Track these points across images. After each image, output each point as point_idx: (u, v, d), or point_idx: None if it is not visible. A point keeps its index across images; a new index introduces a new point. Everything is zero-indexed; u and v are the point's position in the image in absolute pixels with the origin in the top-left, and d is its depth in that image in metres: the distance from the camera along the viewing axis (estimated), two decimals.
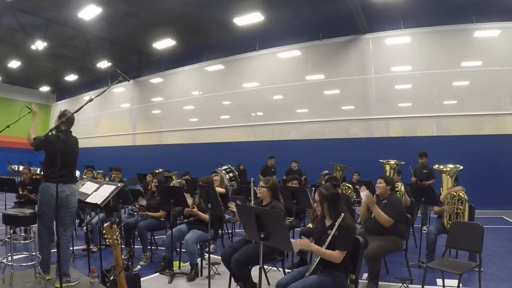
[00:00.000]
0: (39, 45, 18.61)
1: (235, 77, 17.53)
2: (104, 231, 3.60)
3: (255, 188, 5.64)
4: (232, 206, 5.36)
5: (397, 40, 13.63)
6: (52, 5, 15.75)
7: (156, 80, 21.84)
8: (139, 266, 5.90)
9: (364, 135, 14.25)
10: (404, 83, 13.64)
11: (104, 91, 4.89)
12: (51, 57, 21.82)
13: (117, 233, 3.60)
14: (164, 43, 17.46)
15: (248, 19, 13.67)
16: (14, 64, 23.26)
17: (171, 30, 16.63)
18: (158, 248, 7.02)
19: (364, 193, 4.88)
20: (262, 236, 3.22)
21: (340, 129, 14.77)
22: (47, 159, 4.88)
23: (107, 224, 3.60)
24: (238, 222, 7.61)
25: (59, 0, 15.14)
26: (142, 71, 22.35)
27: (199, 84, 19.37)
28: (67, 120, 4.87)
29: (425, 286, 4.37)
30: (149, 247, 6.55)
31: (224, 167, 12.06)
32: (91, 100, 4.46)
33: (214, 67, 18.49)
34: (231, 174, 11.91)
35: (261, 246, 3.29)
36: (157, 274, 5.60)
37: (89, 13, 14.69)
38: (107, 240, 3.56)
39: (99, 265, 4.90)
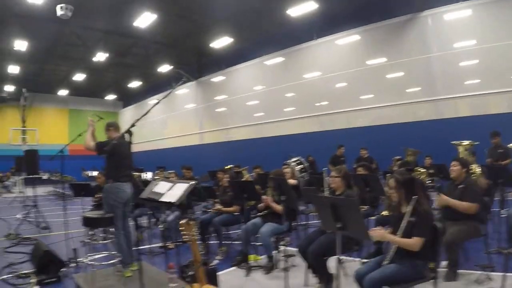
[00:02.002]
0: (101, 56, 20.21)
1: (296, 68, 17.80)
2: (181, 228, 3.83)
3: (327, 178, 5.87)
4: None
5: (457, 14, 13.18)
6: (107, 18, 17.03)
7: (218, 78, 22.79)
8: (216, 261, 6.24)
9: (432, 117, 13.97)
10: (470, 58, 13.12)
11: (170, 92, 5.20)
12: (113, 66, 23.58)
13: (195, 229, 3.83)
14: (221, 42, 18.35)
15: (302, 8, 14.06)
16: (79, 77, 25.42)
17: (227, 28, 17.39)
18: (233, 242, 7.33)
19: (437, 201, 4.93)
20: (338, 226, 3.31)
21: (406, 112, 14.54)
22: (116, 162, 5.58)
23: (185, 220, 3.84)
24: (312, 213, 7.98)
25: (114, 12, 16.34)
26: (203, 71, 23.43)
27: (260, 79, 19.91)
28: (117, 126, 5.94)
29: (507, 274, 4.27)
30: (224, 241, 6.89)
31: (294, 159, 12.31)
32: (157, 103, 4.89)
33: (274, 60, 18.94)
34: (301, 166, 12.18)
35: (339, 236, 3.42)
36: (234, 268, 5.90)
37: (145, 20, 15.88)
38: (184, 236, 3.78)
39: (176, 262, 5.17)
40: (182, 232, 3.86)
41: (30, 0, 13.53)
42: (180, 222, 3.87)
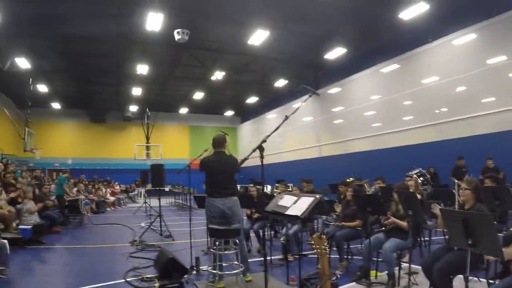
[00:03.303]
0: (218, 75, 22.28)
1: (413, 75, 17.66)
2: (312, 241, 4.24)
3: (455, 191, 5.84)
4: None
5: None
6: (222, 38, 18.85)
7: (334, 90, 23.44)
8: (336, 276, 6.44)
9: None
10: None
11: (298, 108, 5.58)
12: (231, 84, 25.56)
13: (325, 242, 4.17)
14: (335, 53, 19.13)
15: (414, 11, 14.12)
16: (198, 95, 28.05)
17: (340, 38, 18.08)
18: (354, 257, 7.66)
19: None
20: (469, 242, 3.30)
21: None
22: (208, 178, 6.43)
23: (317, 234, 4.21)
24: (436, 229, 7.90)
25: (228, 32, 18.17)
26: (320, 83, 24.17)
27: (377, 88, 20.10)
28: (215, 142, 6.48)
29: None
30: (345, 256, 7.17)
31: (415, 171, 12.70)
32: (287, 118, 5.15)
33: (389, 67, 19.02)
34: (422, 178, 12.52)
35: (469, 254, 3.45)
36: (354, 283, 6.09)
37: (258, 38, 17.18)
38: (315, 249, 4.15)
39: (296, 274, 5.64)
40: (312, 245, 4.28)
41: (149, 28, 15.48)
42: (313, 236, 4.32)
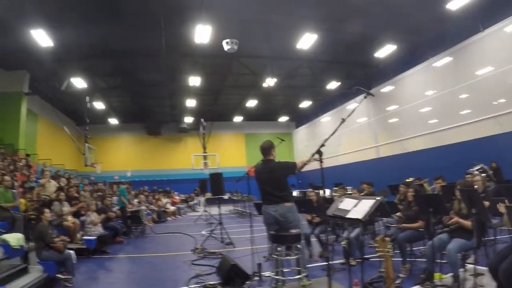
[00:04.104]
0: (270, 81, 22.55)
1: (466, 67, 17.20)
2: (376, 244, 4.29)
3: None
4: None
5: None
6: (270, 44, 19.16)
7: (387, 88, 23.21)
8: (399, 279, 6.40)
9: None
10: None
11: (353, 111, 5.63)
12: (283, 89, 25.71)
13: (389, 245, 4.21)
14: (385, 50, 19.05)
15: (461, 0, 13.96)
16: (251, 103, 28.52)
17: (388, 35, 17.96)
18: (417, 259, 7.54)
19: None
20: None
21: None
22: (259, 186, 6.53)
23: (380, 236, 4.29)
24: (501, 227, 7.82)
25: (275, 39, 18.42)
26: (372, 82, 24.02)
27: (430, 83, 19.63)
28: (262, 150, 6.56)
29: None
30: (408, 258, 7.09)
31: (477, 167, 12.30)
32: (343, 121, 5.31)
33: (442, 61, 18.57)
34: (484, 175, 11.72)
35: None
36: (418, 286, 6.05)
37: (306, 42, 17.43)
38: (379, 252, 4.20)
39: (359, 278, 5.76)
40: (376, 248, 4.32)
41: (197, 41, 16.06)
42: (377, 238, 4.36)
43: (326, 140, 5.15)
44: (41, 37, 15.29)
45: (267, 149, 6.55)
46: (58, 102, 26.02)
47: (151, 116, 31.90)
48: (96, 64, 20.45)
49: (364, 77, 24.71)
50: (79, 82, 20.58)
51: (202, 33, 15.46)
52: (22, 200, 10.02)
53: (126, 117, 33.26)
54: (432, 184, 11.39)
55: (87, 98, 21.79)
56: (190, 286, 6.95)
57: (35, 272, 7.27)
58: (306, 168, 6.11)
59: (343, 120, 5.26)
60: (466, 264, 6.02)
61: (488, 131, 16.31)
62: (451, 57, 18.28)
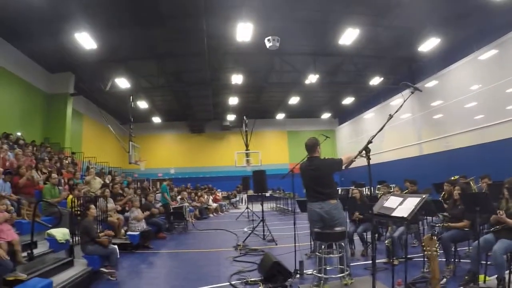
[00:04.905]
0: (312, 78, 22.45)
1: None
2: (423, 243, 4.23)
3: None
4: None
5: None
6: (313, 41, 19.19)
7: (431, 83, 22.70)
8: (444, 280, 6.27)
9: None
10: None
11: (401, 106, 5.34)
12: (325, 86, 25.54)
13: (436, 244, 4.15)
14: (429, 44, 18.72)
15: None
16: (294, 100, 28.47)
17: (432, 27, 17.70)
18: (462, 260, 7.34)
19: None
20: None
21: None
22: (304, 184, 6.53)
23: (427, 235, 4.23)
24: None
25: (318, 35, 18.40)
26: (416, 77, 23.53)
27: (476, 77, 19.09)
28: (306, 147, 6.51)
29: None
30: (452, 259, 6.96)
31: None
32: (391, 117, 5.16)
33: (487, 54, 18.05)
34: None
35: None
36: None
37: (348, 37, 17.29)
38: (425, 252, 4.14)
39: (402, 278, 5.70)
40: (423, 248, 4.27)
41: (239, 39, 16.23)
42: (424, 237, 4.32)
43: (373, 136, 5.09)
44: (85, 40, 15.84)
45: (312, 146, 6.52)
46: (103, 102, 26.84)
47: (194, 115, 32.21)
48: (139, 65, 20.98)
49: (408, 72, 24.28)
50: (122, 82, 21.18)
51: (243, 31, 15.58)
52: (69, 196, 10.29)
53: (169, 115, 33.99)
54: (478, 182, 11.01)
55: (131, 98, 22.26)
56: (232, 282, 6.97)
57: (80, 266, 7.55)
58: (350, 164, 6.08)
59: (391, 116, 5.13)
60: None
61: None
62: (497, 49, 17.71)
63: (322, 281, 6.04)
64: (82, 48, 16.43)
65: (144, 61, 20.66)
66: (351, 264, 6.71)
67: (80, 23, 15.13)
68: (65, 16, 15.01)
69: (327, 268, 6.22)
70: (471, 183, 10.59)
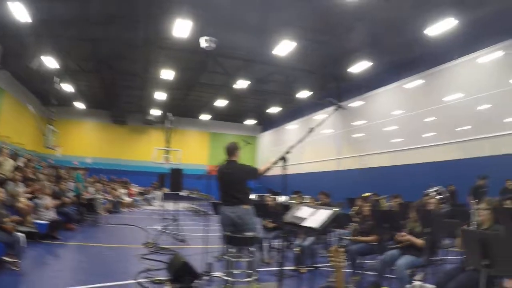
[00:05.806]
0: (242, 84, 22.43)
1: (437, 91, 17.47)
2: (329, 254, 4.25)
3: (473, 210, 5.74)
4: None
5: None
6: (247, 47, 19.01)
7: (356, 103, 23.32)
8: None
9: None
10: None
11: (323, 121, 5.72)
12: (253, 93, 25.64)
13: (343, 256, 4.19)
14: (360, 66, 19.00)
15: (441, 26, 14.03)
16: (221, 102, 28.26)
17: (366, 52, 18.03)
18: (366, 272, 7.42)
19: None
20: (485, 263, 3.35)
21: None
22: (219, 187, 6.48)
23: (335, 246, 4.25)
24: (450, 249, 7.78)
25: (253, 42, 18.22)
26: (342, 96, 23.90)
27: (400, 103, 19.92)
28: (227, 150, 6.50)
29: None
30: (358, 271, 7.10)
31: (434, 189, 12.38)
32: (312, 130, 5.42)
33: (414, 83, 18.85)
34: (439, 197, 12.09)
35: (483, 275, 3.48)
36: None
37: (284, 48, 17.20)
38: (331, 262, 4.16)
39: (308, 286, 5.91)
40: (329, 258, 4.30)
41: (176, 35, 15.83)
42: (331, 248, 4.36)
43: (292, 147, 5.20)
44: (19, 10, 14.29)
45: (232, 150, 6.51)
46: (27, 79, 25.00)
47: (119, 105, 31.21)
48: (71, 45, 19.75)
49: (335, 90, 24.58)
50: (50, 62, 19.70)
51: (181, 28, 15.14)
52: None
53: (93, 102, 32.33)
54: (389, 201, 11.53)
55: (56, 79, 21.03)
56: (138, 280, 6.74)
57: None
58: (267, 172, 6.11)
59: (312, 130, 5.35)
60: (414, 281, 6.00)
61: (449, 155, 16.62)
62: (423, 80, 18.61)
63: (229, 285, 6.04)
64: (14, 19, 15.03)
65: (76, 42, 19.47)
66: (259, 269, 6.74)
67: None
68: None
69: (235, 272, 6.23)
70: (382, 201, 11.25)
